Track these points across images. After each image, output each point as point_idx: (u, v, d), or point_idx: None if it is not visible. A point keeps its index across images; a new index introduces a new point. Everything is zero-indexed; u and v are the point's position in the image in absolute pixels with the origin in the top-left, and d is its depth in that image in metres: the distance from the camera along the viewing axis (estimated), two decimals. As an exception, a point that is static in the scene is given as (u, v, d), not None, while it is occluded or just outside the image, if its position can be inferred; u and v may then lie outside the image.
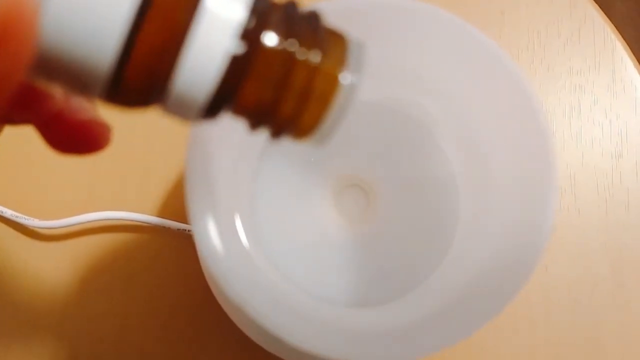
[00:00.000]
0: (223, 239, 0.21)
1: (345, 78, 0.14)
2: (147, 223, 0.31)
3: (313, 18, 0.14)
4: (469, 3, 0.35)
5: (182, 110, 0.14)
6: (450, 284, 0.24)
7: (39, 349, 0.30)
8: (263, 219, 0.26)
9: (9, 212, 0.31)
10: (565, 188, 0.32)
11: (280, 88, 0.14)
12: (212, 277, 0.23)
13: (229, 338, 0.30)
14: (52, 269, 0.31)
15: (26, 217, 0.31)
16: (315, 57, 0.14)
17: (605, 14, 0.35)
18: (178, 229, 0.30)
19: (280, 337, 0.20)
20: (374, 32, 0.22)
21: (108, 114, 0.16)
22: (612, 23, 0.35)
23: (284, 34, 0.13)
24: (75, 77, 0.13)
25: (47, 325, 0.30)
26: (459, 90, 0.25)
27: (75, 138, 0.16)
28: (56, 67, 0.12)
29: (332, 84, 0.14)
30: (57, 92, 0.16)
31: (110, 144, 0.17)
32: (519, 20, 0.35)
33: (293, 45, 0.14)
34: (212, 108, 0.14)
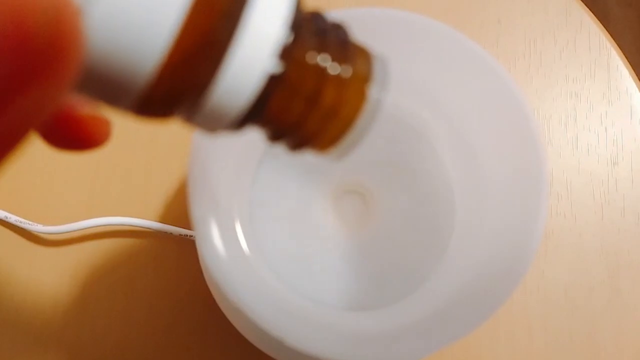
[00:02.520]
0: (224, 244, 0.22)
1: (372, 93, 0.14)
2: (150, 228, 0.31)
3: (341, 30, 0.14)
4: (466, 11, 0.35)
5: (211, 123, 0.14)
6: (446, 288, 0.24)
7: (41, 353, 0.30)
8: (263, 224, 0.27)
9: (13, 218, 0.31)
10: (562, 194, 0.33)
11: (310, 102, 0.14)
12: (213, 282, 0.24)
13: (230, 342, 0.30)
14: (55, 274, 0.31)
15: (30, 222, 0.31)
16: (346, 72, 0.14)
17: (603, 20, 0.36)
18: (180, 235, 0.31)
19: (281, 341, 0.21)
20: (371, 43, 0.22)
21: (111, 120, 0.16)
22: (610, 29, 0.36)
23: (317, 49, 0.13)
24: (107, 88, 0.12)
25: (50, 329, 0.30)
26: (454, 100, 0.26)
27: (74, 134, 0.15)
28: (90, 78, 0.12)
29: (361, 99, 0.14)
30: None
31: (111, 141, 0.16)
32: (515, 28, 0.35)
33: (326, 61, 0.13)
34: (241, 121, 0.14)
